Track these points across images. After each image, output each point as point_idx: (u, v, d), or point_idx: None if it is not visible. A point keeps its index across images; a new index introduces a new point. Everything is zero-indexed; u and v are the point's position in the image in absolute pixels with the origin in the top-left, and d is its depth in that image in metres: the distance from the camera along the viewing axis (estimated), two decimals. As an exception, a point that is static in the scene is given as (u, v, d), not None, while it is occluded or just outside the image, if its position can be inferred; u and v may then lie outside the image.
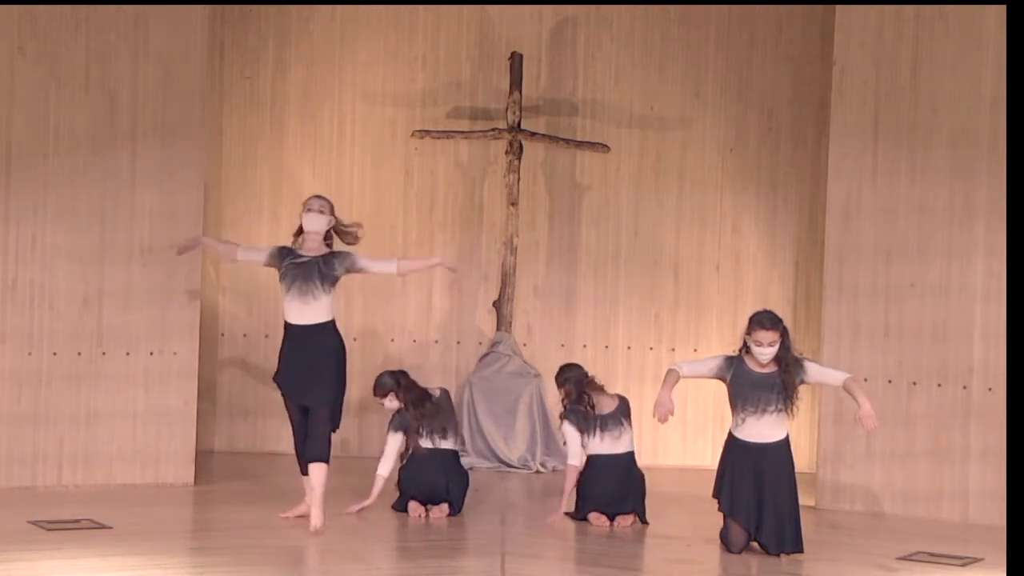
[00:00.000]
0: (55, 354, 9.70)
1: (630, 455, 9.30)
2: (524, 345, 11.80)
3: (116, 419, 9.84)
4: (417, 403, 9.32)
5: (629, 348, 11.89)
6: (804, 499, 8.71)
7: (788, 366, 8.32)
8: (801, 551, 8.35)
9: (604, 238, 11.93)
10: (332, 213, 8.93)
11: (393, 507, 9.33)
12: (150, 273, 9.90)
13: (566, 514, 9.29)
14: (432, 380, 10.49)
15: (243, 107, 11.77)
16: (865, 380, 9.69)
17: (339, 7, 11.79)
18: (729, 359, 8.47)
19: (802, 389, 8.42)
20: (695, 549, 8.55)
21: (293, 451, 9.03)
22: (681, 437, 11.74)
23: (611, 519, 9.17)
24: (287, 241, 9.12)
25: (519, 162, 11.63)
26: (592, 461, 9.26)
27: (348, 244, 8.96)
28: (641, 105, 11.94)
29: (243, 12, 11.72)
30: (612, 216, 11.93)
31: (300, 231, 8.94)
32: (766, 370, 8.34)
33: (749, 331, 8.35)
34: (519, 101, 11.62)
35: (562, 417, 9.37)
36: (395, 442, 9.31)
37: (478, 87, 11.90)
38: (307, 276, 8.76)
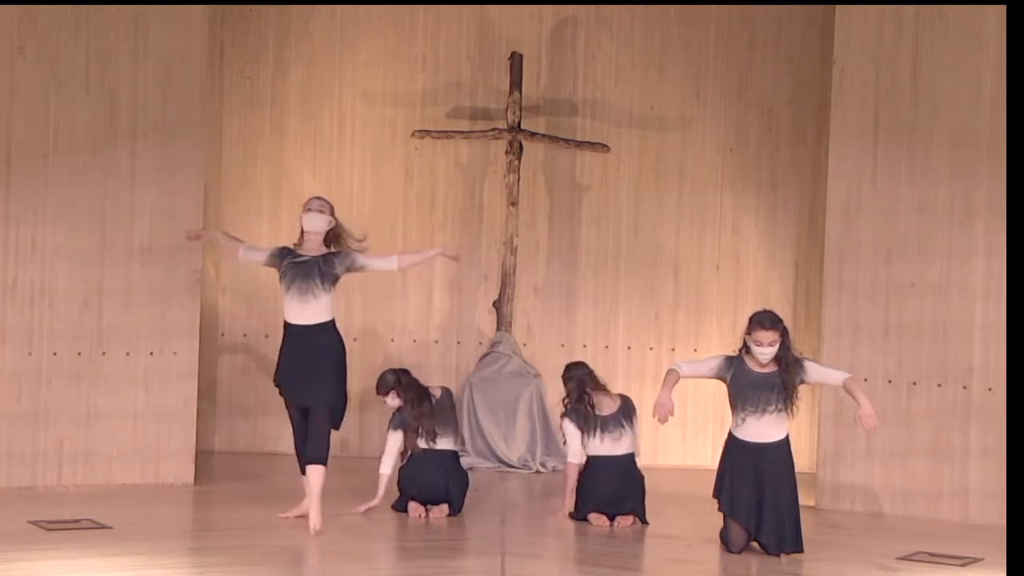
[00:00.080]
0: (55, 354, 9.70)
1: (630, 457, 9.30)
2: (524, 345, 11.80)
3: (116, 419, 9.84)
4: (416, 402, 9.32)
5: (629, 348, 11.89)
6: (804, 499, 8.71)
7: (788, 366, 8.32)
8: (801, 551, 8.35)
9: (604, 238, 11.93)
10: (332, 214, 8.94)
11: (393, 507, 9.32)
12: (150, 273, 9.90)
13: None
14: (432, 380, 10.47)
15: (243, 107, 11.77)
16: (865, 380, 9.69)
17: (339, 7, 11.79)
18: (729, 359, 8.47)
19: (802, 389, 8.42)
20: (695, 549, 8.55)
21: (293, 451, 9.03)
22: (681, 437, 11.74)
23: (611, 519, 9.17)
24: (287, 241, 9.12)
25: (519, 162, 11.63)
26: (591, 462, 9.26)
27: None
28: (641, 105, 11.94)
29: (243, 12, 11.72)
30: (612, 216, 11.93)
31: (303, 235, 8.93)
32: (766, 370, 8.34)
33: (749, 331, 8.35)
34: (519, 101, 11.62)
35: (563, 415, 9.38)
36: (395, 440, 9.31)
37: (478, 87, 11.90)
38: (307, 275, 8.76)
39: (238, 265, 10.65)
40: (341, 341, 8.89)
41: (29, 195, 9.63)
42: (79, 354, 9.75)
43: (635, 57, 11.94)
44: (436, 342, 11.86)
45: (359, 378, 10.69)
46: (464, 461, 9.89)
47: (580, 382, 9.39)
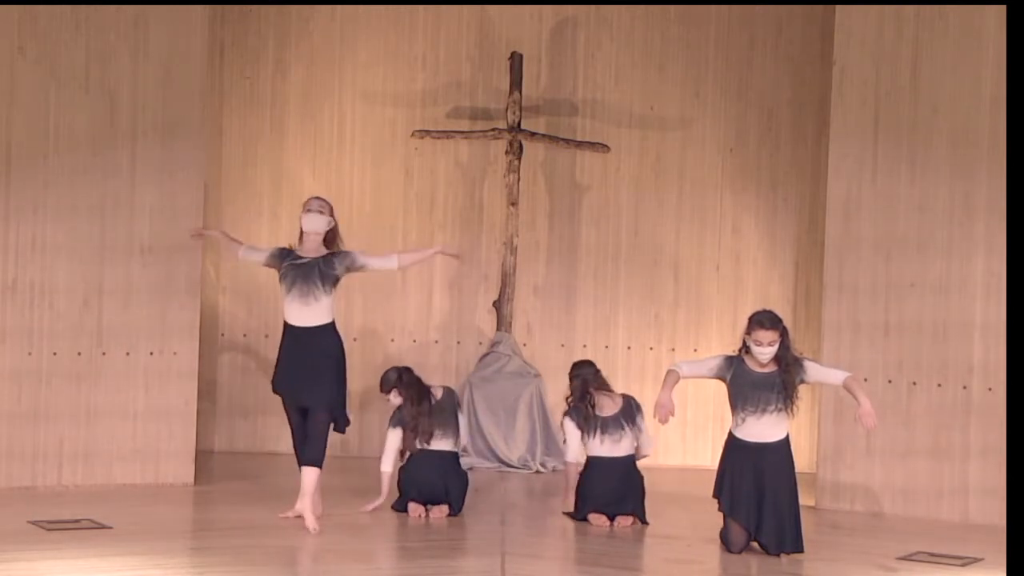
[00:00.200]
0: (55, 353, 9.70)
1: (630, 458, 9.29)
2: (524, 345, 11.80)
3: (116, 419, 9.84)
4: (415, 400, 9.31)
5: (629, 348, 11.89)
6: (804, 499, 8.70)
7: (788, 366, 8.32)
8: (801, 551, 8.35)
9: (604, 238, 11.93)
10: (332, 214, 8.94)
11: (393, 507, 9.32)
12: (150, 273, 9.90)
13: (566, 514, 9.30)
14: (432, 380, 10.44)
15: (243, 107, 11.77)
16: (865, 379, 9.68)
17: (339, 7, 11.79)
18: (729, 359, 8.47)
19: (802, 389, 8.42)
20: (695, 549, 8.55)
21: (293, 451, 9.04)
22: (681, 437, 11.74)
23: (611, 519, 9.17)
24: (287, 241, 9.12)
25: (519, 162, 11.63)
26: (591, 462, 9.26)
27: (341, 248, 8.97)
28: (641, 105, 11.94)
29: (243, 12, 11.72)
30: (612, 216, 11.93)
31: (303, 235, 8.93)
32: (766, 370, 8.34)
33: (749, 331, 8.35)
34: (519, 101, 11.62)
35: (564, 414, 9.39)
36: (395, 438, 9.30)
37: (478, 87, 11.90)
38: (307, 277, 8.77)
39: (238, 264, 10.66)
40: (341, 343, 8.90)
41: (29, 195, 9.63)
42: (79, 354, 9.75)
43: (635, 57, 11.94)
44: (436, 342, 11.86)
45: (359, 378, 10.69)
46: (464, 461, 9.88)
47: (584, 381, 9.39)
